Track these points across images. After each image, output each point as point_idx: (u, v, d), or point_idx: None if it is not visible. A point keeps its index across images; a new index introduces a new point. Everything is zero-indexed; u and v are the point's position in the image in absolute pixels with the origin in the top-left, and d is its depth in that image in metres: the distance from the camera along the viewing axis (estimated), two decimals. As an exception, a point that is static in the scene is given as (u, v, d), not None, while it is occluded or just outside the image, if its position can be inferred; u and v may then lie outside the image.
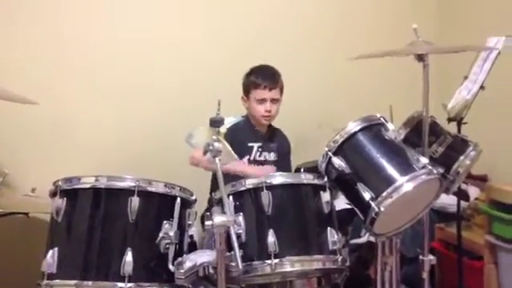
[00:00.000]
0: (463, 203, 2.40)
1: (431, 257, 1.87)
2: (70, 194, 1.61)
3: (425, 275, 1.85)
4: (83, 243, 1.57)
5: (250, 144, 2.38)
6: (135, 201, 1.57)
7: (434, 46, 1.85)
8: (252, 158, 2.37)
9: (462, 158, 1.90)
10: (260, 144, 2.40)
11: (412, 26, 1.81)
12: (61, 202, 1.60)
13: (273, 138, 2.48)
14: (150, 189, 1.62)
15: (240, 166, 2.14)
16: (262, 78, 2.35)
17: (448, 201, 2.44)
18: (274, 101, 2.36)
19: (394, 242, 1.90)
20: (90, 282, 1.52)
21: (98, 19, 2.63)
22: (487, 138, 2.03)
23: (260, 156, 2.40)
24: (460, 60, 2.22)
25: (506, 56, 2.13)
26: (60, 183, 1.63)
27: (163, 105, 2.72)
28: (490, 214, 2.33)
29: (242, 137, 2.33)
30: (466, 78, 2.22)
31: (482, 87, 2.14)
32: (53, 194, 1.64)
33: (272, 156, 2.43)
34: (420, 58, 1.78)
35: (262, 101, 2.34)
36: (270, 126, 2.48)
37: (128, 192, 1.58)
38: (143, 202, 1.59)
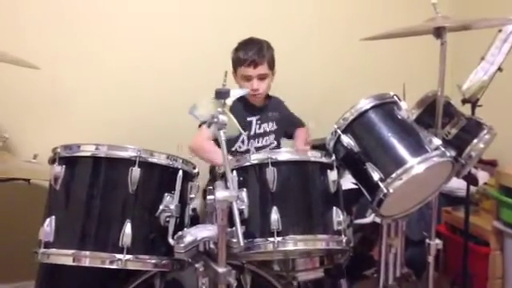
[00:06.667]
0: (471, 188, 2.35)
1: (438, 241, 1.83)
2: (70, 161, 1.56)
3: (430, 259, 1.81)
4: (81, 212, 1.52)
5: (248, 119, 2.30)
6: (136, 171, 1.53)
7: (455, 19, 1.77)
8: (252, 132, 2.31)
9: (475, 141, 1.83)
10: (258, 117, 2.33)
11: (431, 1, 1.73)
12: (59, 170, 1.55)
13: (270, 107, 2.40)
14: (151, 160, 1.57)
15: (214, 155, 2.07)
16: (247, 53, 2.22)
17: (456, 184, 2.39)
18: (262, 77, 2.25)
19: (399, 225, 1.86)
20: (87, 253, 1.49)
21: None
22: (498, 121, 1.96)
23: (260, 129, 2.33)
24: (474, 41, 2.14)
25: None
26: (59, 150, 1.58)
27: (168, 74, 2.66)
28: (499, 199, 2.29)
29: (239, 112, 2.24)
30: (482, 58, 2.14)
31: (499, 69, 2.06)
32: (52, 161, 1.59)
33: (270, 126, 2.36)
34: (438, 34, 1.70)
35: (248, 78, 2.25)
36: (267, 96, 2.40)
37: (129, 162, 1.53)
38: (144, 173, 1.54)
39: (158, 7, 2.64)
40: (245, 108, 2.30)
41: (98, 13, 2.55)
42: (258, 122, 2.33)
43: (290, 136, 2.49)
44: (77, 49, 2.51)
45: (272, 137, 2.37)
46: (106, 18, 2.56)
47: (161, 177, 1.61)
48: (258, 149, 2.32)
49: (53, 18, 2.47)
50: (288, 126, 2.47)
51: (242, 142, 2.30)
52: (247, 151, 2.29)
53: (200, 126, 2.17)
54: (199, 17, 2.70)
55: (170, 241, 1.54)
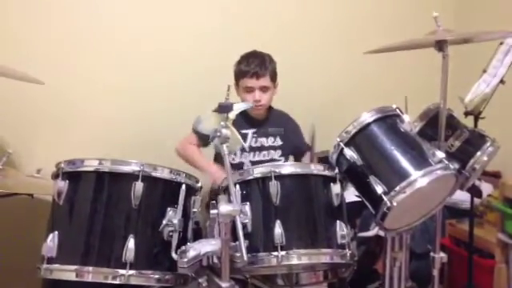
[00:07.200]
0: (475, 200, 2.34)
1: (442, 254, 1.81)
2: (73, 176, 1.57)
3: (435, 273, 1.80)
4: (84, 228, 1.53)
5: (243, 131, 2.27)
6: (139, 186, 1.53)
7: (457, 32, 1.78)
8: (247, 145, 2.29)
9: (479, 153, 1.83)
10: (254, 130, 2.32)
11: (432, 15, 1.73)
12: (63, 185, 1.55)
13: (271, 121, 2.38)
14: (154, 174, 1.58)
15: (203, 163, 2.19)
16: (250, 66, 2.24)
17: (460, 197, 2.38)
18: (264, 89, 2.26)
19: (404, 238, 1.84)
20: (90, 268, 1.49)
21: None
22: (501, 133, 1.96)
23: (256, 142, 2.32)
24: (476, 53, 2.15)
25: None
26: (63, 165, 1.58)
27: (173, 88, 2.67)
28: (503, 211, 2.27)
29: (235, 125, 2.26)
30: (484, 71, 2.15)
31: (502, 81, 2.07)
32: (55, 176, 1.60)
33: (271, 141, 2.34)
34: (440, 47, 1.71)
35: (250, 90, 2.25)
36: (268, 109, 2.39)
37: (132, 177, 1.54)
38: (147, 188, 1.55)
39: (164, 21, 2.64)
40: (241, 119, 2.27)
41: (101, 28, 2.55)
42: (254, 135, 2.32)
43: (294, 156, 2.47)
44: (80, 63, 2.52)
45: (276, 153, 2.35)
46: (110, 33, 2.57)
47: (164, 191, 1.62)
48: (253, 163, 2.30)
49: (57, 33, 2.48)
50: (294, 145, 2.42)
51: (235, 154, 2.29)
52: (240, 164, 2.29)
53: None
54: (204, 31, 2.70)
55: (174, 255, 1.54)
